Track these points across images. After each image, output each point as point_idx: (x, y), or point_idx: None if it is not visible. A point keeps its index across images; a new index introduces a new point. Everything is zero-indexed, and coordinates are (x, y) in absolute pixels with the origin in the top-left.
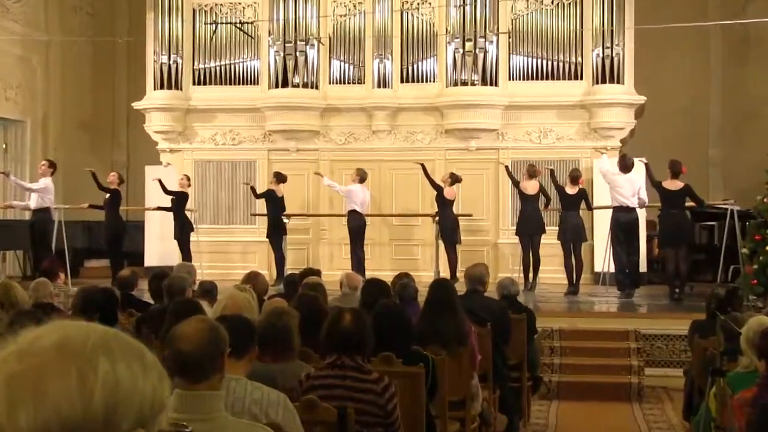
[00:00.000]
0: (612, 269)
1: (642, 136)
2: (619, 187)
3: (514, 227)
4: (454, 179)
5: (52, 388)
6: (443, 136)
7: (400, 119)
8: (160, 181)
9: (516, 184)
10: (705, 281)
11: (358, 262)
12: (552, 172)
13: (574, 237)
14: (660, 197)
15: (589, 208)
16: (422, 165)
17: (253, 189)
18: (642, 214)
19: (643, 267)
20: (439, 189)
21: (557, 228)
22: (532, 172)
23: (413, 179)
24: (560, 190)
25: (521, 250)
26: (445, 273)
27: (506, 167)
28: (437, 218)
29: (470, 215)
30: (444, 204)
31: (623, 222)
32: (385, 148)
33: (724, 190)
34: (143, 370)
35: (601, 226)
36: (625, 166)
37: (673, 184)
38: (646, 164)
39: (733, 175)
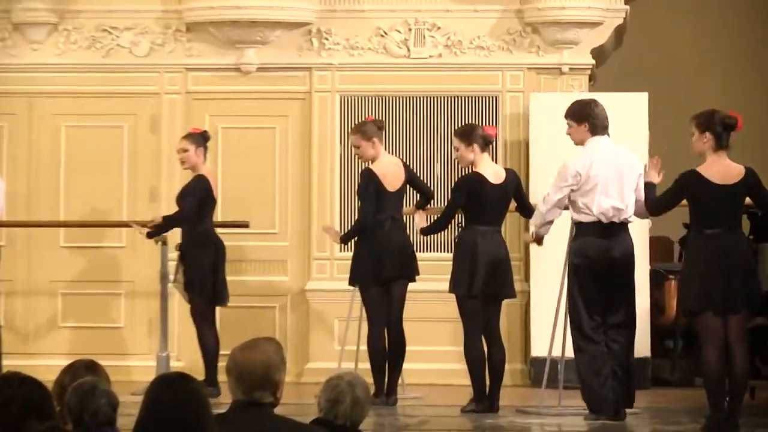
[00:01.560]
0: (570, 353)
1: (644, 49)
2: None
3: (348, 262)
4: (200, 139)
5: None
6: (180, 38)
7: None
8: None
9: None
10: None
11: None
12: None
13: (489, 287)
14: (689, 200)
15: (528, 212)
16: None
17: None
18: (639, 233)
19: (641, 348)
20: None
21: (450, 264)
22: (368, 131)
23: (106, 134)
24: (468, 183)
25: (365, 310)
26: (191, 364)
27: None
28: (154, 232)
29: (244, 225)
30: (187, 197)
31: (600, 259)
32: (42, 67)
33: None
34: None
35: (543, 253)
36: (586, 113)
37: (722, 170)
38: None
39: None
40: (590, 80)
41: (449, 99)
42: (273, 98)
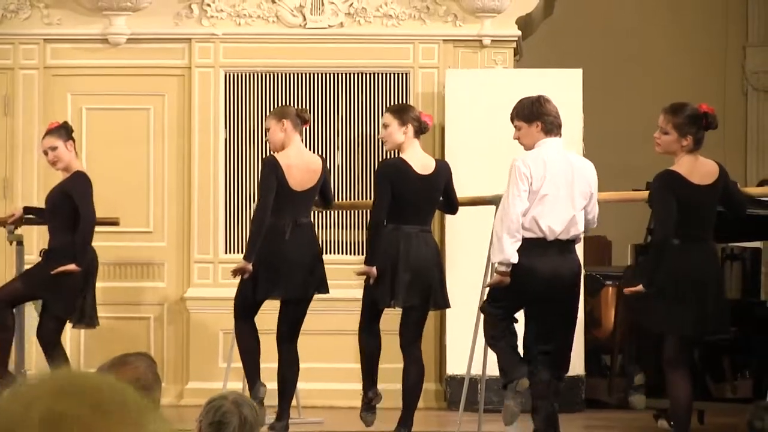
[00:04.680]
0: (492, 372)
1: (577, 19)
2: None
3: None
4: (64, 132)
5: None
6: (37, 3)
7: None
8: None
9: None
10: (730, 399)
11: None
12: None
13: (415, 298)
14: (658, 208)
15: (454, 207)
16: None
17: None
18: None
19: (574, 366)
20: None
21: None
22: (283, 112)
23: None
24: (391, 170)
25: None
26: None
27: None
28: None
29: (114, 223)
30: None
31: (539, 288)
32: None
33: None
34: None
35: (461, 256)
36: (537, 111)
37: (698, 169)
38: None
39: None
40: (515, 54)
41: (352, 76)
42: (146, 74)
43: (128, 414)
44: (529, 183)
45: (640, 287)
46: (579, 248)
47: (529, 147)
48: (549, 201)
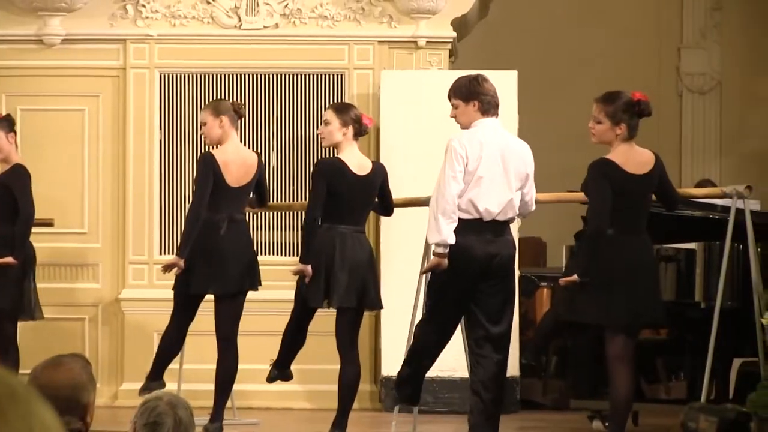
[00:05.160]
0: (430, 372)
1: (513, 21)
2: (464, 166)
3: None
4: (6, 124)
5: None
6: None
7: None
8: None
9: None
10: (664, 401)
11: None
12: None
13: (351, 299)
14: (593, 196)
15: (390, 209)
16: None
17: None
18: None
19: (508, 366)
20: None
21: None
22: (219, 108)
23: None
24: (328, 169)
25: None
26: None
27: None
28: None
29: (48, 224)
30: None
31: (476, 268)
32: None
33: (721, 158)
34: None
35: (396, 254)
36: (475, 90)
37: (634, 158)
38: None
39: (743, 125)
40: (451, 56)
41: (287, 77)
42: (81, 75)
43: (18, 405)
44: (464, 164)
45: (574, 277)
46: (513, 228)
47: (465, 126)
48: (485, 183)
